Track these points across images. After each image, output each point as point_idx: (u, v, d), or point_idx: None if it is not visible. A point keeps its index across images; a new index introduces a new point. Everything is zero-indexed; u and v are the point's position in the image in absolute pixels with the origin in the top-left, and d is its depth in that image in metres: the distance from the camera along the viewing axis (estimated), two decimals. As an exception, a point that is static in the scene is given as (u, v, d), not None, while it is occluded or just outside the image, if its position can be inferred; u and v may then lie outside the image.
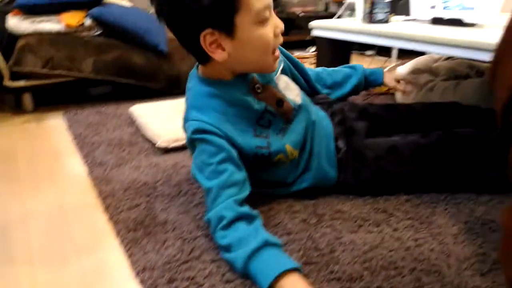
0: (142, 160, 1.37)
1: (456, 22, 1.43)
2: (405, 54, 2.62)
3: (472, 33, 1.22)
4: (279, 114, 1.03)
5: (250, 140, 0.98)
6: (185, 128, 0.99)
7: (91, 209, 1.11)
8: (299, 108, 1.07)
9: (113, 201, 1.11)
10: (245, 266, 0.78)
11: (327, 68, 1.29)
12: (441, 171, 1.08)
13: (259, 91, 1.01)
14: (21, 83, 1.96)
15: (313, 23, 1.77)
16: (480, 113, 1.22)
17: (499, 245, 0.72)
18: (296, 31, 3.58)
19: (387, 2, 1.56)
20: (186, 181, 1.21)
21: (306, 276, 0.80)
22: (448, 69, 1.85)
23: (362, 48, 3.24)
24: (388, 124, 1.23)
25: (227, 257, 0.84)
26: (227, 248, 0.83)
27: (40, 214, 1.11)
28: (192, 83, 1.02)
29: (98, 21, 2.07)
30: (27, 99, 2.03)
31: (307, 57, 3.11)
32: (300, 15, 3.62)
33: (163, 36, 2.19)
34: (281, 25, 0.93)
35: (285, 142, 1.03)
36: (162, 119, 1.63)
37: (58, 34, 2.01)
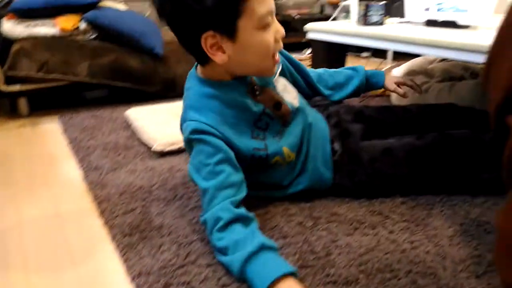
0: (138, 164, 1.37)
1: (450, 24, 1.44)
2: (401, 56, 2.63)
3: (465, 35, 1.23)
4: (276, 117, 1.03)
5: (247, 142, 0.98)
6: (182, 128, 0.99)
7: (86, 214, 1.11)
8: (297, 111, 1.08)
9: (108, 205, 1.11)
10: (242, 269, 0.78)
11: (328, 69, 1.30)
12: (436, 173, 1.08)
13: (257, 93, 1.01)
14: (16, 87, 1.95)
15: (308, 26, 1.77)
16: (475, 114, 1.22)
17: (494, 247, 0.72)
18: (291, 33, 3.58)
19: (382, 4, 1.57)
20: (181, 185, 1.21)
21: (302, 279, 0.80)
22: (443, 71, 1.86)
23: (357, 50, 3.25)
24: (384, 126, 1.23)
25: (223, 260, 0.83)
26: (223, 251, 0.83)
27: (35, 219, 1.11)
28: (191, 83, 1.02)
29: (93, 24, 2.07)
30: (22, 104, 2.02)
31: (302, 59, 3.12)
32: (296, 17, 3.63)
33: (158, 39, 2.19)
34: (282, 31, 0.94)
35: (282, 145, 1.03)
36: (158, 123, 1.62)
37: (53, 38, 2.01)
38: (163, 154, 1.44)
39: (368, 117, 1.24)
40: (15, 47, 1.91)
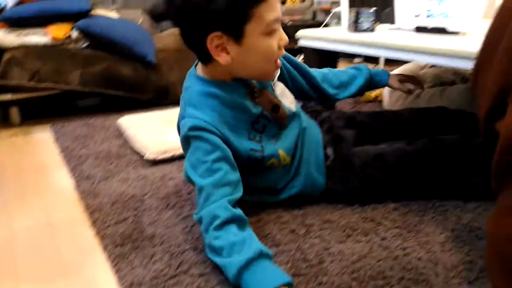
0: (130, 173, 1.37)
1: (440, 31, 1.45)
2: (392, 61, 2.64)
3: (455, 42, 1.24)
4: (274, 120, 1.04)
5: (244, 143, 0.99)
6: (180, 125, 0.99)
7: (78, 223, 1.10)
8: (293, 115, 1.09)
9: (100, 215, 1.10)
10: (238, 275, 0.78)
11: (333, 69, 1.31)
12: (426, 178, 1.09)
13: (256, 95, 1.02)
14: (8, 96, 1.94)
15: (299, 33, 1.77)
16: (465, 117, 1.23)
17: (486, 253, 0.72)
18: (284, 40, 3.59)
19: (372, 11, 1.57)
20: (174, 193, 1.21)
21: (294, 288, 0.80)
22: (434, 76, 1.87)
23: (350, 55, 3.26)
24: (376, 132, 1.24)
25: (218, 261, 0.83)
26: (218, 250, 0.83)
27: (27, 229, 1.10)
28: (190, 82, 1.02)
29: (85, 33, 2.06)
30: (14, 113, 2.01)
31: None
32: (288, 24, 3.64)
33: (151, 47, 2.19)
34: (285, 39, 0.95)
35: (278, 148, 1.03)
36: (151, 131, 1.62)
37: (44, 46, 2.00)
38: (155, 163, 1.44)
39: (360, 123, 1.25)
40: (6, 56, 1.90)
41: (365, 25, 1.58)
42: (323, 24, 2.20)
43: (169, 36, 2.50)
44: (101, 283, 0.88)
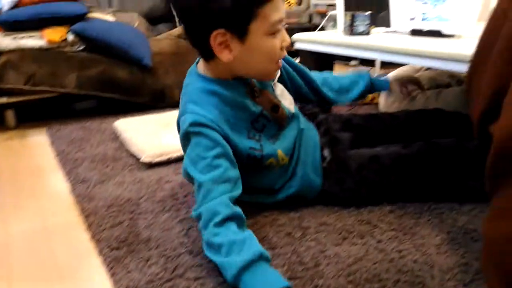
0: (126, 176, 1.36)
1: (435, 33, 1.46)
2: (388, 64, 2.65)
3: (450, 45, 1.25)
4: (273, 120, 1.04)
5: (244, 141, 0.99)
6: (180, 122, 0.99)
7: (73, 227, 1.10)
8: (292, 116, 1.09)
9: (95, 218, 1.10)
10: (238, 275, 0.77)
11: (333, 73, 1.32)
12: (422, 180, 1.09)
13: (256, 94, 1.02)
14: (3, 99, 1.94)
15: (295, 37, 1.78)
16: (461, 119, 1.24)
17: (481, 255, 0.73)
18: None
19: (367, 14, 1.58)
20: (170, 196, 1.20)
21: (290, 291, 0.80)
22: (429, 79, 1.88)
23: (346, 58, 3.26)
24: (372, 134, 1.24)
25: (217, 259, 0.82)
26: (217, 248, 0.82)
27: (22, 232, 1.09)
28: (191, 79, 1.02)
29: (81, 36, 2.06)
30: (10, 116, 2.00)
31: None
32: (284, 26, 3.65)
33: (147, 50, 2.19)
34: (288, 40, 0.96)
35: (276, 148, 1.04)
36: (147, 134, 1.62)
37: (40, 50, 1.99)
38: (151, 166, 1.44)
39: (356, 126, 1.26)
40: (1, 60, 1.90)
41: (361, 28, 1.58)
42: (319, 27, 2.21)
43: (165, 39, 2.50)
44: (96, 287, 0.87)
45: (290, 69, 1.18)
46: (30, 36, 2.01)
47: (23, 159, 1.62)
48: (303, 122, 1.14)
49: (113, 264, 0.91)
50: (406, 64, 2.09)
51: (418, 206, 1.09)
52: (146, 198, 1.20)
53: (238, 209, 0.87)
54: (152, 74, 2.16)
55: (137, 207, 1.15)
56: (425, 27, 1.50)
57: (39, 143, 1.78)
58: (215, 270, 0.87)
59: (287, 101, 1.10)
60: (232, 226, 0.84)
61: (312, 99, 1.25)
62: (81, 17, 2.13)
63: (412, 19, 1.54)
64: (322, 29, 2.18)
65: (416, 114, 1.30)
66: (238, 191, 0.92)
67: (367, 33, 1.59)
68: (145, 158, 1.44)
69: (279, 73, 1.11)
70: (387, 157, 1.09)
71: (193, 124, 0.92)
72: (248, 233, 0.85)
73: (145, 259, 0.92)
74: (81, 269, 0.94)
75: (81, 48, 2.10)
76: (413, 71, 2.04)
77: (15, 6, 2.04)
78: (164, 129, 1.72)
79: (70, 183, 1.33)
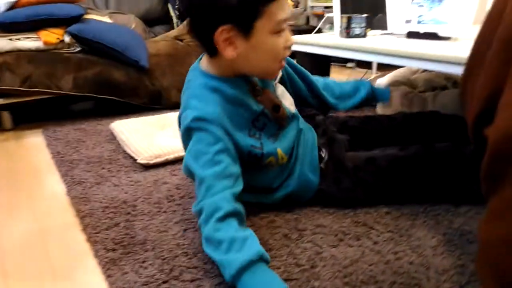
0: (122, 178, 1.36)
1: (432, 36, 1.46)
2: (385, 66, 2.66)
3: (445, 47, 1.25)
4: (274, 119, 1.05)
5: (245, 138, 0.99)
6: (181, 117, 0.98)
7: (69, 229, 1.09)
8: (293, 116, 1.10)
9: (91, 220, 1.10)
10: (237, 275, 0.76)
11: (335, 80, 1.32)
12: (417, 183, 1.09)
13: (258, 93, 1.03)
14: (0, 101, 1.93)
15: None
16: (458, 122, 1.24)
17: (476, 257, 0.73)
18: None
19: (364, 17, 1.59)
20: (166, 198, 1.20)
21: (286, 293, 0.80)
22: (426, 81, 1.89)
23: (342, 60, 3.28)
24: (369, 136, 1.25)
25: (216, 257, 0.81)
26: (217, 244, 0.81)
27: (18, 234, 1.09)
28: (193, 75, 1.02)
29: (77, 37, 2.06)
30: (6, 117, 1.99)
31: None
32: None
33: (144, 52, 2.19)
34: (292, 40, 0.97)
35: (276, 146, 1.04)
36: (143, 135, 1.62)
37: (36, 51, 1.99)
38: (148, 167, 1.43)
39: (353, 127, 1.26)
40: (-3, 61, 1.89)
41: (357, 30, 1.59)
42: (315, 29, 2.21)
43: (162, 41, 2.50)
44: (92, 289, 0.87)
45: (292, 71, 1.19)
46: (27, 38, 2.01)
47: (19, 161, 1.61)
48: (302, 122, 1.15)
49: (109, 266, 0.91)
50: (403, 66, 2.09)
51: (414, 207, 1.09)
52: (143, 200, 1.20)
53: (239, 206, 0.87)
54: (149, 76, 2.16)
55: (133, 209, 1.15)
56: (421, 29, 1.50)
57: (35, 145, 1.77)
58: (211, 272, 0.87)
59: (288, 102, 1.11)
60: (234, 223, 0.83)
61: (311, 103, 1.26)
62: (78, 18, 2.12)
63: (408, 21, 1.55)
64: (319, 31, 2.19)
65: (413, 116, 1.30)
66: (239, 187, 0.91)
67: (363, 35, 1.60)
68: (141, 159, 1.44)
69: (280, 73, 1.12)
70: (383, 159, 1.09)
71: (196, 119, 0.92)
72: (249, 232, 0.84)
73: (141, 261, 0.92)
74: (76, 270, 0.94)
75: (78, 49, 2.10)
76: (409, 73, 2.04)
77: (11, 8, 2.03)
78: (161, 131, 1.71)
79: (66, 185, 1.33)
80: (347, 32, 1.59)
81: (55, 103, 2.19)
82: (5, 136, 1.92)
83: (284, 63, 1.00)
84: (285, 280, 0.83)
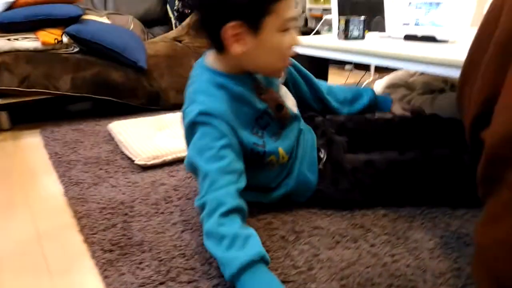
0: (120, 179, 1.36)
1: (430, 39, 1.47)
2: (383, 68, 2.67)
3: (443, 50, 1.25)
4: (277, 118, 1.05)
5: (248, 136, 0.99)
6: (186, 112, 0.97)
7: (66, 230, 1.09)
8: (295, 117, 1.11)
9: (88, 221, 1.09)
10: (237, 274, 0.76)
11: (339, 85, 1.33)
12: (415, 187, 1.10)
13: (262, 91, 1.03)
14: (-3, 101, 1.92)
15: (290, 40, 1.79)
16: (456, 125, 1.24)
17: (472, 261, 0.73)
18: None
19: (362, 19, 1.59)
20: (164, 199, 1.20)
21: (283, 295, 0.80)
22: (423, 84, 1.89)
23: (341, 62, 3.29)
24: (366, 138, 1.25)
25: (217, 254, 0.80)
26: (219, 239, 0.80)
27: (14, 234, 1.08)
28: (199, 71, 1.03)
29: (75, 38, 2.05)
30: (3, 117, 1.99)
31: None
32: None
33: (142, 53, 2.18)
34: (297, 40, 0.98)
35: (278, 146, 1.05)
36: (141, 136, 1.62)
37: (35, 51, 1.99)
38: (145, 168, 1.43)
39: (350, 130, 1.26)
40: (-4, 61, 1.89)
41: (355, 33, 1.59)
42: (314, 31, 2.22)
43: (160, 42, 2.50)
44: (88, 290, 0.87)
45: (296, 74, 1.20)
46: (25, 38, 2.00)
47: (17, 161, 1.61)
48: (302, 124, 1.16)
49: (106, 267, 0.91)
50: (401, 69, 2.10)
51: (411, 210, 1.09)
52: (140, 201, 1.20)
53: (243, 202, 0.87)
54: (147, 77, 2.16)
55: (130, 210, 1.15)
56: (419, 32, 1.51)
57: (33, 145, 1.77)
58: (209, 273, 0.87)
59: (290, 102, 1.12)
60: (237, 219, 0.83)
61: (313, 106, 1.27)
62: (76, 19, 2.12)
63: (406, 24, 1.55)
64: (317, 33, 2.19)
65: (411, 119, 1.31)
66: (242, 183, 0.91)
67: (361, 37, 1.60)
68: (139, 160, 1.43)
69: (284, 75, 1.12)
70: (382, 162, 1.10)
71: (202, 113, 0.92)
72: (252, 230, 0.83)
73: (138, 262, 0.92)
74: (73, 271, 0.93)
75: (76, 50, 2.10)
76: (407, 76, 2.05)
77: (9, 8, 2.03)
78: (159, 132, 1.71)
79: (63, 185, 1.33)
80: (345, 34, 1.59)
81: (53, 103, 2.19)
82: (3, 136, 1.91)
83: (289, 62, 1.01)
84: (282, 282, 0.83)
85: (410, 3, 1.53)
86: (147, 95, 2.15)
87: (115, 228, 1.06)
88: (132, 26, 2.66)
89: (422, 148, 1.13)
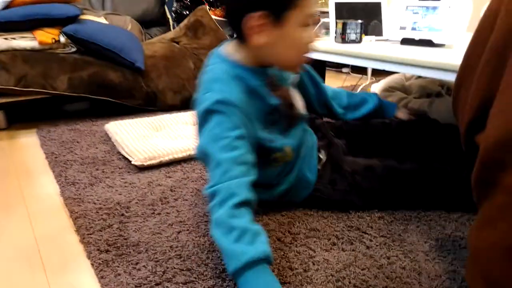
0: (116, 179, 1.36)
1: (427, 43, 1.48)
2: (380, 72, 2.67)
3: (440, 54, 1.26)
4: (285, 116, 1.06)
5: (258, 130, 0.99)
6: (201, 99, 0.96)
7: (62, 230, 1.09)
8: (302, 117, 1.12)
9: (84, 221, 1.09)
10: (241, 270, 0.76)
11: (345, 90, 1.34)
12: (411, 194, 1.12)
13: (275, 88, 1.03)
14: (-7, 100, 1.92)
15: (288, 42, 1.79)
16: (451, 130, 1.25)
17: (466, 264, 0.73)
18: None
19: (359, 22, 1.60)
20: (160, 200, 1.20)
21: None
22: (420, 87, 1.90)
23: (338, 65, 3.29)
24: (364, 141, 1.26)
25: (223, 243, 0.79)
26: (228, 229, 0.79)
27: (10, 234, 1.08)
28: (215, 61, 1.02)
29: (73, 38, 2.05)
30: (0, 117, 1.98)
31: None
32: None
33: (140, 53, 2.18)
34: (315, 37, 0.98)
35: (285, 143, 1.05)
36: (138, 137, 1.62)
37: (32, 51, 1.98)
38: (142, 169, 1.43)
39: (348, 132, 1.27)
40: (-8, 60, 1.88)
41: (352, 36, 1.60)
42: (311, 34, 2.22)
43: (158, 42, 2.50)
44: (84, 290, 0.87)
45: (307, 77, 1.20)
46: (22, 37, 2.00)
47: (13, 160, 1.60)
48: (306, 125, 1.17)
49: (102, 267, 0.91)
50: (397, 72, 2.11)
51: (407, 213, 1.10)
52: (136, 202, 1.20)
53: (253, 195, 0.86)
54: (144, 78, 2.16)
55: (127, 210, 1.15)
56: (416, 36, 1.52)
57: (29, 145, 1.77)
58: (205, 274, 0.87)
59: (299, 103, 1.12)
60: (248, 212, 0.83)
61: (317, 110, 1.28)
62: (74, 19, 2.12)
63: (403, 28, 1.56)
64: (315, 36, 2.19)
65: (408, 123, 1.31)
66: (254, 176, 0.91)
67: (358, 41, 1.61)
68: (136, 161, 1.43)
69: (298, 78, 1.13)
70: (382, 168, 1.12)
71: (220, 102, 0.91)
72: (260, 227, 0.82)
73: (134, 263, 0.92)
74: (69, 271, 0.93)
75: (73, 50, 2.09)
76: (403, 79, 2.06)
77: (7, 7, 2.02)
78: (156, 133, 1.71)
79: (59, 185, 1.33)
80: (343, 37, 1.60)
81: (50, 103, 2.18)
82: (-1, 135, 1.91)
83: (306, 59, 1.01)
84: (278, 283, 0.84)
85: (407, 7, 1.54)
86: (144, 96, 2.14)
87: (111, 228, 1.06)
88: (129, 27, 2.65)
89: (420, 154, 1.14)
